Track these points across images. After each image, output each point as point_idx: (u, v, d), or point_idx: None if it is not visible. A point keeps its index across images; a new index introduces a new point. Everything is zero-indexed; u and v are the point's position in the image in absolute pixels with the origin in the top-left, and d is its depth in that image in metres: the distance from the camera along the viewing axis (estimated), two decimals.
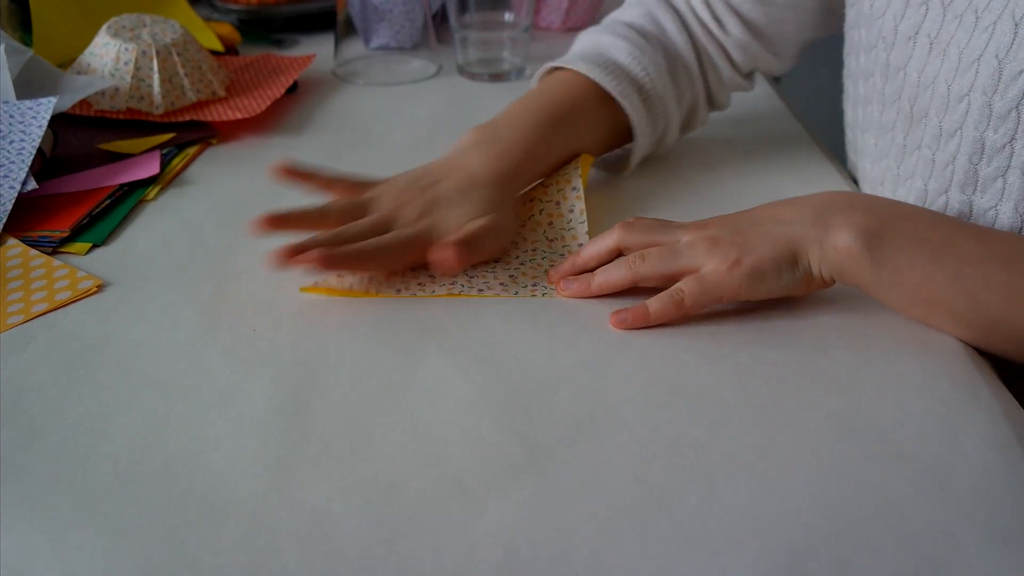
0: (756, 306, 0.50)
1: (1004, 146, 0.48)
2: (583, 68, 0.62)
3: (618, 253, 0.52)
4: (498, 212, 0.54)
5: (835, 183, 0.65)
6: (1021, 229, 0.50)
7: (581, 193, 0.58)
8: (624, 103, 0.61)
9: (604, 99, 0.62)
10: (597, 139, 0.63)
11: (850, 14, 0.61)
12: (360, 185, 0.56)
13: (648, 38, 0.64)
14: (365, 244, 0.51)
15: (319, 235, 0.52)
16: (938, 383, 0.44)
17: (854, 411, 0.42)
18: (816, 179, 0.66)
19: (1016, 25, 0.46)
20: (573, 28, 1.03)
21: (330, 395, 0.44)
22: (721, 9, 0.64)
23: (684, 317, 0.48)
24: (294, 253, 0.49)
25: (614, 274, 0.50)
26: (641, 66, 0.62)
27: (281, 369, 0.46)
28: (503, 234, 0.55)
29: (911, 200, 0.56)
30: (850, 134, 0.67)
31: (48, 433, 0.42)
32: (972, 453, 0.39)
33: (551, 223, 0.58)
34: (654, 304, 0.48)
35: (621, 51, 0.63)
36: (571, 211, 0.58)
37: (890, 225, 0.45)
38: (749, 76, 0.69)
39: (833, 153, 0.71)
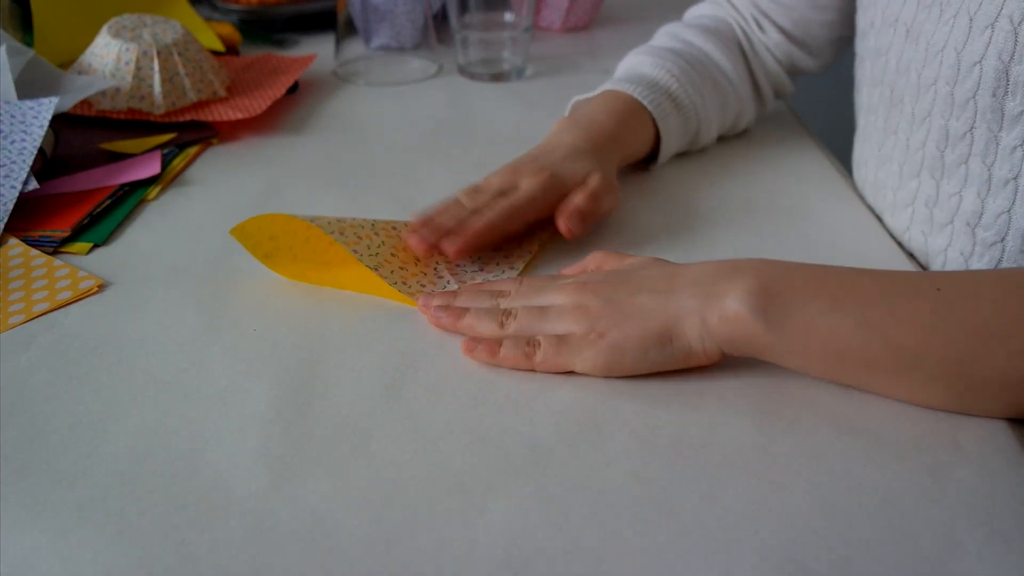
0: None
1: (964, 134, 0.49)
2: (616, 86, 0.66)
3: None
4: (605, 170, 0.59)
5: (833, 183, 0.65)
6: (982, 215, 0.50)
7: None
8: (647, 104, 0.65)
9: (640, 107, 0.65)
10: (648, 137, 0.66)
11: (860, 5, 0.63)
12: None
13: (676, 52, 0.69)
14: (492, 211, 0.55)
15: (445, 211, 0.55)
16: None
17: (854, 411, 0.42)
18: (816, 180, 0.66)
19: (971, 19, 0.47)
20: (573, 28, 1.03)
21: (330, 395, 0.44)
22: (757, 13, 0.71)
23: (532, 369, 0.45)
24: (429, 242, 0.53)
25: (484, 324, 0.47)
26: (666, 71, 0.67)
27: (281, 369, 0.46)
28: (613, 191, 0.59)
29: (889, 183, 0.58)
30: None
31: (49, 433, 0.42)
32: (972, 453, 0.39)
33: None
34: (507, 347, 0.45)
35: (645, 65, 0.68)
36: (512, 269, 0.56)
37: (781, 281, 0.42)
38: (792, 76, 0.73)
39: (835, 156, 0.71)
